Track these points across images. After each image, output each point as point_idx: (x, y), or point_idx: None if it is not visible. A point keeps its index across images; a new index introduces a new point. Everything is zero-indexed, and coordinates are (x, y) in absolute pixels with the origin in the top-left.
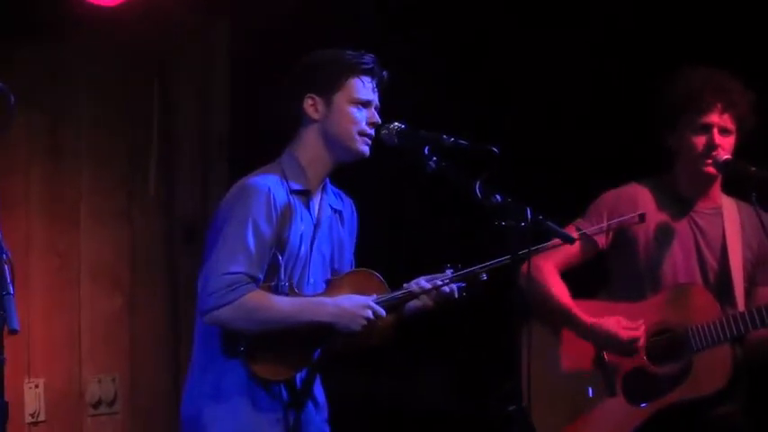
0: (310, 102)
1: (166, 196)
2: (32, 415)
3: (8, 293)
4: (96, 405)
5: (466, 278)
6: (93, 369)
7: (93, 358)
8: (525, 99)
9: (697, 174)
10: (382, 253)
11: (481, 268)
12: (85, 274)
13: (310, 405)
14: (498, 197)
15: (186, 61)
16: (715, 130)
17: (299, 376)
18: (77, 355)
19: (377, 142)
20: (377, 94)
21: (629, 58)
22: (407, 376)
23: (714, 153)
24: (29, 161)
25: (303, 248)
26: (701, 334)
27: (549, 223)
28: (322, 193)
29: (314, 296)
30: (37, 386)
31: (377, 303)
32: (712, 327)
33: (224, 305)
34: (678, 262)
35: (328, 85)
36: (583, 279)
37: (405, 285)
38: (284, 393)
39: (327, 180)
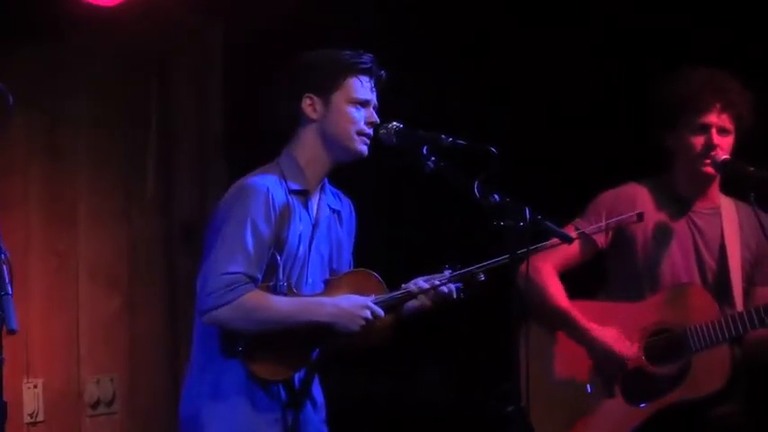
0: (308, 101)
1: (165, 196)
2: (31, 415)
3: (7, 293)
4: (95, 405)
5: (464, 278)
6: (92, 369)
7: (91, 358)
8: (525, 99)
9: (695, 174)
10: (381, 253)
11: (479, 268)
12: (84, 274)
13: (309, 405)
14: (497, 197)
15: (185, 61)
16: (713, 131)
17: (297, 376)
18: (76, 356)
19: (375, 142)
20: (375, 94)
21: (629, 58)
22: (406, 376)
23: (712, 153)
24: (27, 161)
25: (302, 248)
26: (700, 334)
27: (548, 223)
28: (320, 193)
29: (312, 296)
30: (36, 386)
31: (375, 303)
32: (711, 327)
33: (222, 305)
34: (677, 262)
35: (326, 85)
36: (582, 279)
37: (403, 286)
38: (283, 393)
39: (326, 180)
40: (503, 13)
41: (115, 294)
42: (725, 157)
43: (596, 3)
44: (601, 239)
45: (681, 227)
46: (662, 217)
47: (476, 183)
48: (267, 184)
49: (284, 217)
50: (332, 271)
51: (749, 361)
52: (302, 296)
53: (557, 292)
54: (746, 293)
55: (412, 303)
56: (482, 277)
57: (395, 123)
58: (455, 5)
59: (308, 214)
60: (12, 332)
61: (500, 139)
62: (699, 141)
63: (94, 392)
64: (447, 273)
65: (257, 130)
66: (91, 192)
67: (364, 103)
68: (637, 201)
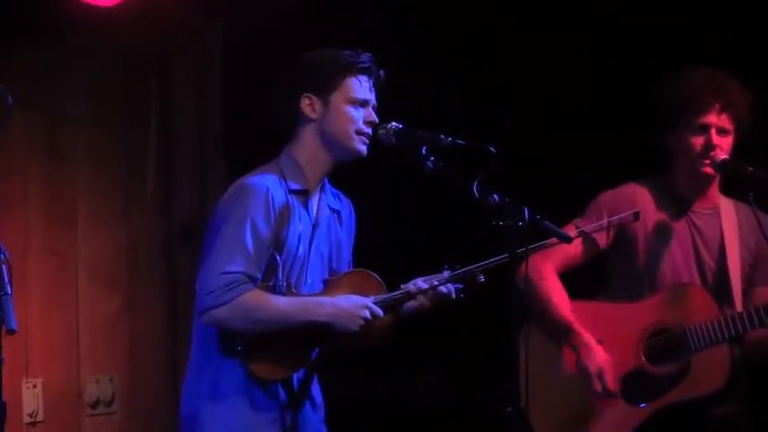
0: (307, 101)
1: (165, 196)
2: (31, 415)
3: (6, 293)
4: (94, 405)
5: (463, 279)
6: (92, 369)
7: (91, 358)
8: (525, 99)
9: (695, 174)
10: (380, 253)
11: (478, 267)
12: (84, 274)
13: (308, 405)
14: (496, 197)
15: (185, 61)
16: (713, 131)
17: (296, 376)
18: (75, 355)
19: (374, 142)
20: (374, 94)
21: (629, 58)
22: (405, 376)
23: (712, 153)
24: (27, 161)
25: (301, 248)
26: (699, 334)
27: (547, 223)
28: (320, 193)
29: (312, 296)
30: (35, 386)
31: (375, 304)
32: (710, 327)
33: (222, 304)
34: (676, 262)
35: (325, 85)
36: (582, 279)
37: (402, 286)
38: (282, 393)
39: (326, 180)
40: (503, 13)
41: (115, 294)
42: (724, 157)
43: (596, 3)
44: (603, 240)
45: (680, 227)
46: (662, 217)
47: (475, 183)
48: (267, 184)
49: (284, 217)
50: (331, 271)
51: (749, 361)
52: (301, 296)
53: (555, 296)
54: (746, 293)
55: (411, 304)
56: (482, 278)
57: (394, 123)
58: (455, 5)
59: (308, 214)
60: (11, 332)
61: (500, 139)
62: (698, 141)
63: (94, 392)
64: (446, 273)
65: (257, 130)
66: (91, 192)
67: (363, 103)
68: (637, 201)
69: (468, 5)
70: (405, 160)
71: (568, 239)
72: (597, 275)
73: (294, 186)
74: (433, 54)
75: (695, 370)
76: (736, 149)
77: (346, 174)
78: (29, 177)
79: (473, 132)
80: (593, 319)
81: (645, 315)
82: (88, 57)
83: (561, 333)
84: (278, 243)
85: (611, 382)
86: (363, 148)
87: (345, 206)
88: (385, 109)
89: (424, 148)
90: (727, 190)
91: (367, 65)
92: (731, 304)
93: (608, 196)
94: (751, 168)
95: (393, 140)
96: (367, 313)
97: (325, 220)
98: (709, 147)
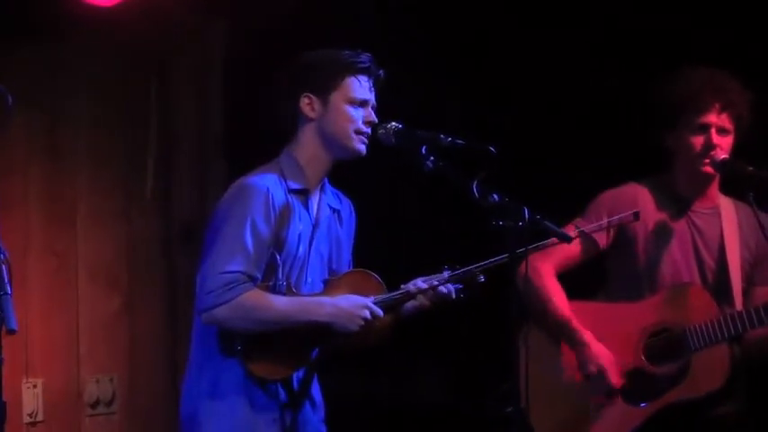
0: (306, 101)
1: (165, 196)
2: (31, 415)
3: (6, 293)
4: (94, 405)
5: (463, 279)
6: (92, 369)
7: (91, 358)
8: (525, 99)
9: (695, 173)
10: (380, 253)
11: (478, 268)
12: (83, 274)
13: (307, 405)
14: (495, 197)
15: (185, 61)
16: (713, 130)
17: (296, 377)
18: (75, 356)
19: (374, 142)
20: (373, 94)
21: (629, 58)
22: (405, 376)
23: (712, 153)
24: (27, 161)
25: (301, 248)
26: (699, 334)
27: (547, 222)
28: (321, 192)
29: (312, 296)
30: (35, 386)
31: (374, 304)
32: (710, 326)
33: (221, 304)
34: (676, 262)
35: (325, 85)
36: (581, 279)
37: (402, 286)
38: (282, 393)
39: (326, 180)
40: (503, 13)
41: (115, 294)
42: (724, 156)
43: (596, 3)
44: (603, 240)
45: (680, 226)
46: (662, 217)
47: (475, 182)
48: (267, 184)
49: (284, 216)
50: (331, 271)
51: (748, 360)
52: (301, 296)
53: (555, 296)
54: (746, 293)
55: (411, 304)
56: (482, 278)
57: (393, 123)
58: (455, 5)
59: (308, 214)
60: (11, 332)
61: (500, 139)
62: (698, 141)
63: (94, 392)
64: (446, 273)
65: (257, 130)
66: (91, 192)
67: (362, 103)
68: (637, 200)
69: (468, 5)
70: (404, 160)
71: (568, 239)
72: (597, 275)
73: (294, 186)
74: (433, 54)
75: (695, 369)
76: (736, 149)
77: (346, 174)
78: (29, 177)
79: (473, 132)
80: (593, 319)
81: (645, 315)
82: (88, 57)
83: (562, 332)
84: (278, 243)
85: (615, 378)
86: (362, 148)
87: (345, 206)
88: (385, 109)
89: (424, 147)
90: (727, 190)
91: (366, 65)
92: (731, 304)
93: (608, 196)
94: (751, 168)
95: (393, 140)
96: (367, 313)
97: (326, 220)
98: (709, 146)
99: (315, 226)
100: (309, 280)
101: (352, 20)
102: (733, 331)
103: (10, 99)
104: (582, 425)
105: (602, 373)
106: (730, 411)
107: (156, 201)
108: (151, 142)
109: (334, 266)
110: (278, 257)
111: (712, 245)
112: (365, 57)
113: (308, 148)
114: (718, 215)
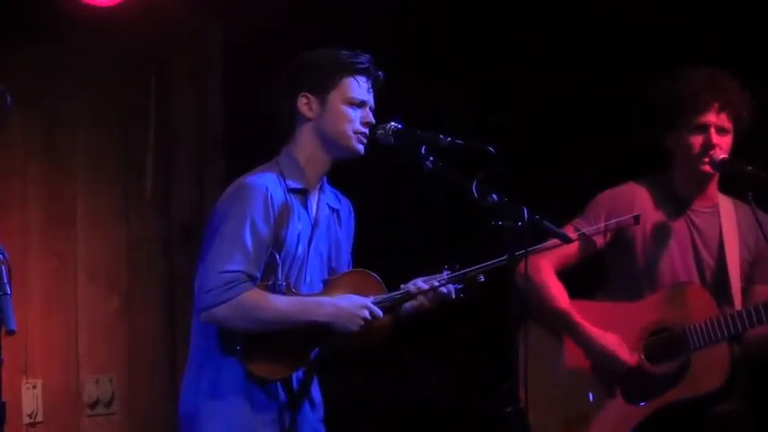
0: (304, 101)
1: (164, 196)
2: (30, 415)
3: (5, 294)
4: (94, 405)
5: (463, 279)
6: (91, 369)
7: (90, 359)
8: (525, 99)
9: (694, 173)
10: (379, 253)
11: (478, 269)
12: (83, 274)
13: (307, 405)
14: (495, 197)
15: (185, 61)
16: (712, 130)
17: (295, 376)
18: (75, 356)
19: (373, 142)
20: (372, 95)
21: (629, 58)
22: (404, 376)
23: (711, 152)
24: (26, 161)
25: (301, 248)
26: (699, 333)
27: (546, 223)
28: (320, 192)
29: (311, 296)
30: (35, 387)
31: (374, 304)
32: (710, 325)
33: (221, 303)
34: (675, 261)
35: (323, 85)
36: (581, 279)
37: (402, 286)
38: (281, 393)
39: (325, 179)
40: (503, 13)
41: (114, 294)
42: (723, 156)
43: (596, 3)
44: (599, 239)
45: (679, 226)
46: (661, 216)
47: (474, 182)
48: (266, 183)
49: (283, 216)
50: (331, 270)
51: (748, 359)
52: (301, 295)
53: (557, 292)
54: (745, 292)
55: (410, 304)
56: (482, 279)
57: (393, 123)
58: (455, 5)
59: (308, 213)
60: (11, 333)
61: (500, 139)
62: (697, 141)
63: (93, 392)
64: (446, 273)
65: (257, 130)
66: (90, 192)
67: (360, 104)
68: (636, 200)
69: (468, 5)
70: (404, 160)
71: (568, 240)
72: (597, 275)
73: (293, 185)
74: (433, 54)
75: (695, 368)
76: (736, 149)
77: (346, 173)
78: (27, 177)
79: (473, 132)
80: (593, 318)
81: (644, 314)
82: (88, 57)
83: (565, 325)
84: (277, 242)
85: (628, 355)
86: (361, 148)
87: (345, 206)
88: (385, 109)
89: (424, 147)
90: (726, 189)
91: (365, 65)
92: (730, 303)
93: (606, 196)
94: (750, 167)
95: (392, 140)
96: (366, 313)
97: (325, 220)
98: (709, 146)
99: (314, 226)
100: (309, 280)
101: (352, 20)
102: (732, 330)
103: (9, 98)
104: (582, 424)
105: (614, 353)
106: (730, 410)
107: (155, 200)
108: (150, 142)
109: (333, 266)
110: (277, 257)
111: (711, 244)
112: (364, 57)
113: (306, 148)
114: (718, 214)
